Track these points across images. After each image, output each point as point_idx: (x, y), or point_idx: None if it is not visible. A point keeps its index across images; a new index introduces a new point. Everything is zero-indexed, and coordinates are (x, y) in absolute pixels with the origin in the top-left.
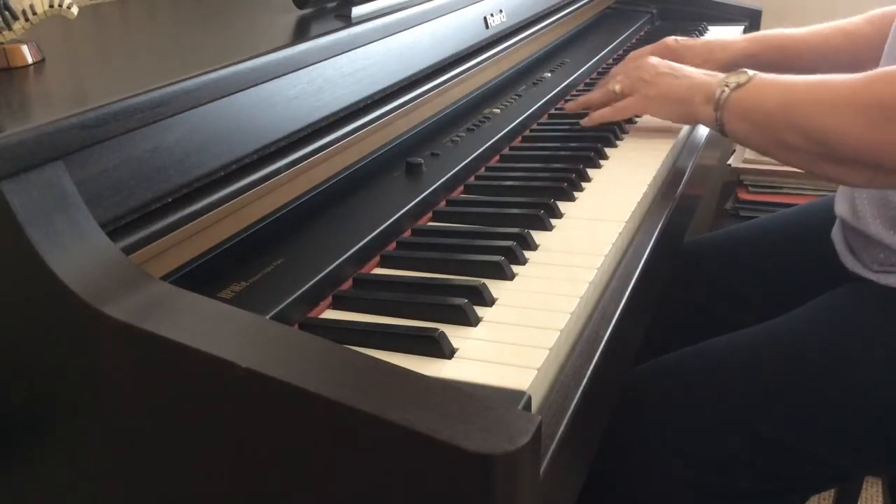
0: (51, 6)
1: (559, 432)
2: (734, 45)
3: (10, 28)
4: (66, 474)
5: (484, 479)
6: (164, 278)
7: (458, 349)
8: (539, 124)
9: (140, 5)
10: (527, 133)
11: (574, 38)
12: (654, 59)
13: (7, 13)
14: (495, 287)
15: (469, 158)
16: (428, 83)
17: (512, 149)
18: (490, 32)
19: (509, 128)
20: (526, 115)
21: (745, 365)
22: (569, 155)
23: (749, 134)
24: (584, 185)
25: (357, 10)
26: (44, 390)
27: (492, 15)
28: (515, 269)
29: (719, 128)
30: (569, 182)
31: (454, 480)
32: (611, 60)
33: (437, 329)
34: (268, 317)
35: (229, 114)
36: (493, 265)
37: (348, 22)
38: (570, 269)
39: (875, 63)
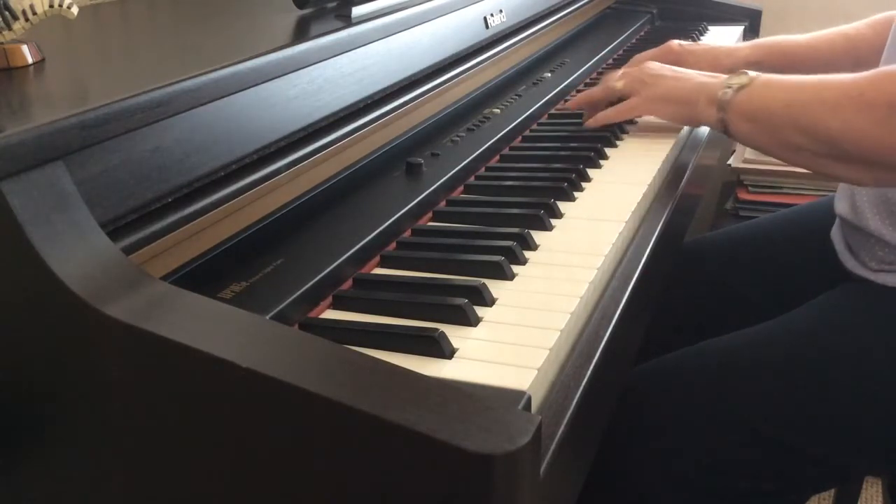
0: (51, 6)
1: (559, 432)
2: (738, 51)
3: (10, 28)
4: (66, 474)
5: (484, 479)
6: (164, 278)
7: (458, 349)
8: (539, 124)
9: (140, 5)
10: (527, 133)
11: (574, 38)
12: (656, 63)
13: (7, 13)
14: (495, 287)
15: (469, 158)
16: (428, 83)
17: (512, 149)
18: (490, 32)
19: (509, 128)
20: (526, 115)
21: (745, 365)
22: (569, 155)
23: (753, 135)
24: (584, 185)
25: (357, 10)
26: (44, 390)
27: (492, 15)
28: (515, 269)
29: (723, 129)
30: (569, 182)
31: (454, 480)
32: (611, 60)
33: (437, 329)
34: (268, 317)
35: (229, 114)
36: (493, 265)
37: (348, 22)
38: (570, 269)
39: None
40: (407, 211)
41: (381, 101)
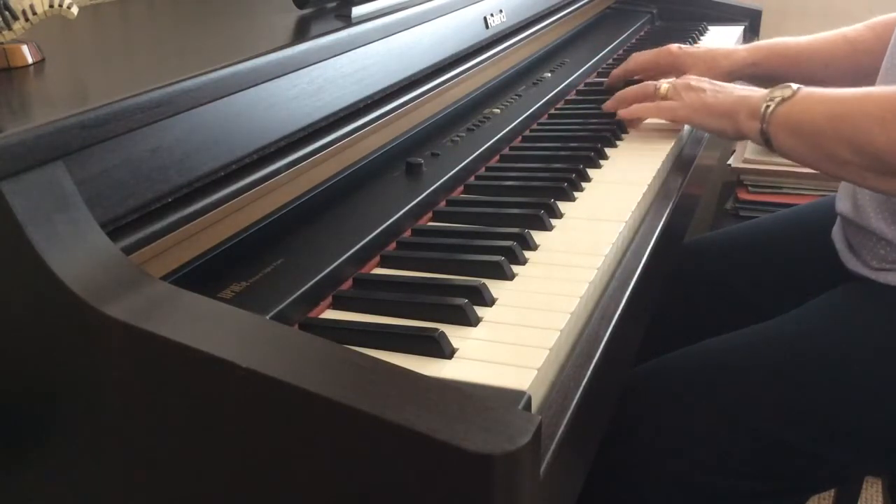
0: (51, 6)
1: (559, 432)
2: (736, 53)
3: (10, 28)
4: (66, 474)
5: (484, 479)
6: (164, 278)
7: (458, 349)
8: (539, 124)
9: (140, 5)
10: (527, 133)
11: (574, 38)
12: (695, 76)
13: (7, 13)
14: (495, 287)
15: (469, 158)
16: (428, 83)
17: (512, 149)
18: (490, 32)
19: (509, 128)
20: (526, 115)
21: (745, 365)
22: (569, 155)
23: (797, 148)
24: (584, 185)
25: (357, 10)
26: (44, 390)
27: (492, 15)
28: (515, 269)
29: (765, 141)
30: (569, 182)
31: (454, 480)
32: (611, 60)
33: (437, 329)
34: (268, 317)
35: (229, 114)
36: (493, 265)
37: (348, 22)
38: (570, 269)
39: (877, 70)
40: (407, 211)
41: (381, 101)
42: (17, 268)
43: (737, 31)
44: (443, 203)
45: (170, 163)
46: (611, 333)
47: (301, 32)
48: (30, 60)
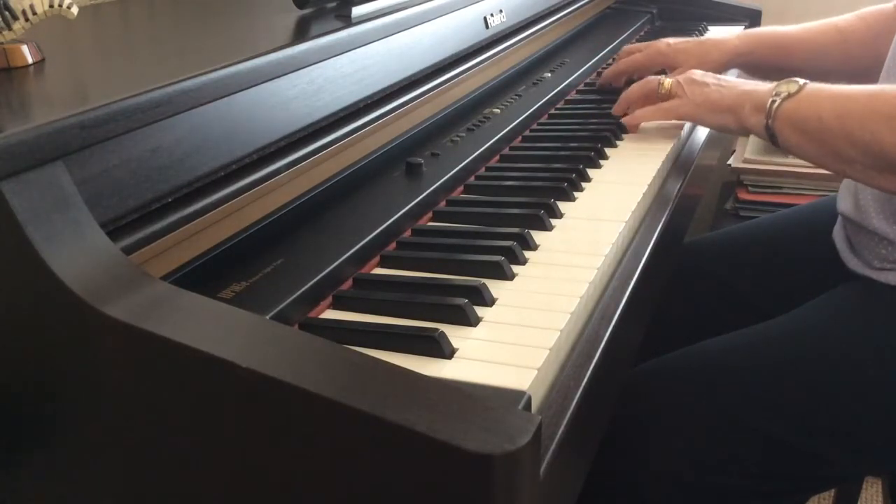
0: (51, 6)
1: (559, 432)
2: (727, 43)
3: (10, 28)
4: (66, 474)
5: (484, 479)
6: (164, 278)
7: (458, 349)
8: (539, 124)
9: (140, 5)
10: (527, 133)
11: (574, 38)
12: (699, 71)
13: (7, 13)
14: (495, 287)
15: (469, 158)
16: (428, 83)
17: (512, 149)
18: (490, 32)
19: (509, 128)
20: (526, 115)
21: (746, 365)
22: (569, 155)
23: (802, 144)
24: (584, 185)
25: (357, 10)
26: (44, 390)
27: (492, 15)
28: (515, 269)
29: (770, 136)
30: (569, 182)
31: (454, 480)
32: (611, 60)
33: (437, 329)
34: (268, 317)
35: (229, 114)
36: (493, 265)
37: (348, 22)
38: (570, 269)
39: (869, 61)
40: (407, 211)
41: (381, 101)
42: (17, 268)
43: (737, 31)
44: (443, 203)
45: (170, 163)
46: (611, 333)
47: (301, 32)
48: (30, 60)
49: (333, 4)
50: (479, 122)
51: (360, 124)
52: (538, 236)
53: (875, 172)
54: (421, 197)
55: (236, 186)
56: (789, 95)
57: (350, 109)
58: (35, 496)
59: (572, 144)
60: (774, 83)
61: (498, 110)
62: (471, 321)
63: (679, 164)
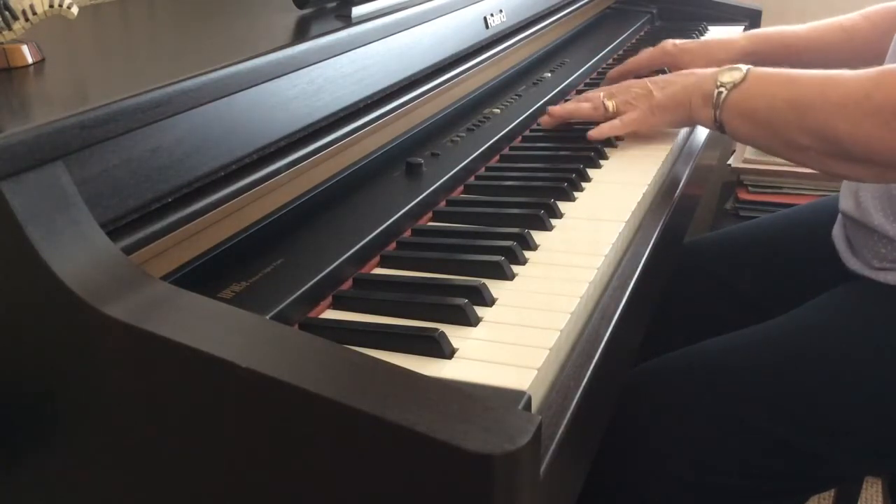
0: (51, 6)
1: (559, 432)
2: (733, 44)
3: (10, 28)
4: (65, 474)
5: (484, 479)
6: (164, 278)
7: (458, 349)
8: (539, 124)
9: (140, 5)
10: (527, 133)
11: (574, 38)
12: (637, 80)
13: (7, 13)
14: (495, 287)
15: (469, 158)
16: (428, 83)
17: (512, 149)
18: (490, 32)
19: (509, 128)
20: (526, 115)
21: (745, 365)
22: (569, 155)
23: (752, 133)
24: (584, 185)
25: (357, 10)
26: (43, 390)
27: (492, 15)
28: (515, 269)
29: (719, 127)
30: (569, 182)
31: (454, 480)
32: (611, 60)
33: (437, 329)
34: (268, 317)
35: (229, 114)
36: (493, 265)
37: (348, 22)
38: (570, 269)
39: (874, 59)
40: (407, 211)
41: (381, 101)
42: (17, 268)
43: (737, 31)
44: (443, 203)
45: (170, 163)
46: (611, 333)
47: (301, 32)
48: (30, 60)
49: (333, 4)
50: (479, 122)
51: (360, 124)
52: (538, 236)
53: (829, 159)
54: (421, 197)
55: (236, 186)
56: (735, 85)
57: (350, 109)
58: (35, 496)
59: (572, 144)
60: (716, 69)
61: (498, 110)
62: (471, 321)
63: (679, 164)
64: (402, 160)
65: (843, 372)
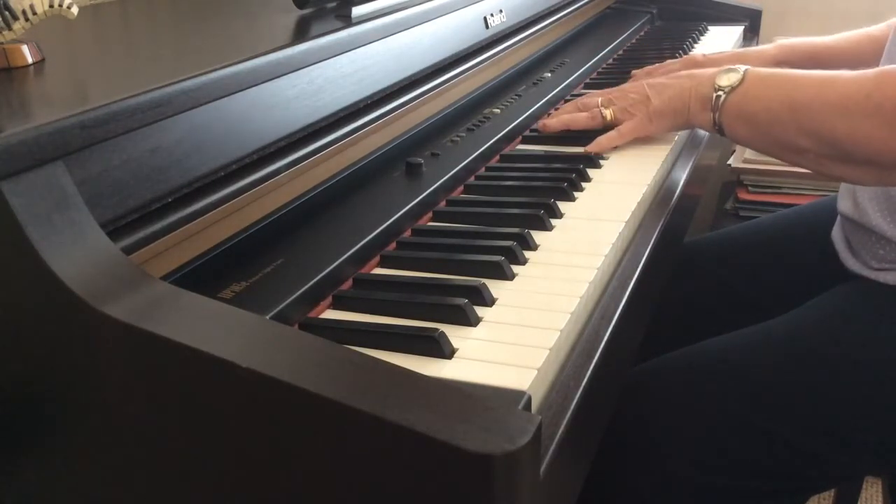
0: (51, 6)
1: (559, 432)
2: (765, 53)
3: (10, 28)
4: (65, 474)
5: (484, 479)
6: (164, 278)
7: (458, 349)
8: (532, 130)
9: (140, 5)
10: (527, 133)
11: (574, 38)
12: (633, 83)
13: (7, 13)
14: (495, 287)
15: (469, 158)
16: (428, 83)
17: (512, 149)
18: (490, 32)
19: (509, 128)
20: (526, 115)
21: (745, 364)
22: (569, 155)
23: (752, 136)
24: (584, 185)
25: (357, 10)
26: (44, 390)
27: (492, 15)
28: (515, 269)
29: (719, 131)
30: (569, 182)
31: (454, 480)
32: (611, 60)
33: (437, 329)
34: (268, 317)
35: (229, 114)
36: (493, 265)
37: (348, 22)
38: (570, 269)
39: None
40: (407, 211)
41: (381, 101)
42: (17, 268)
43: (737, 31)
44: (443, 203)
45: (170, 163)
46: (611, 333)
47: (301, 32)
48: (30, 60)
49: (333, 4)
50: (479, 122)
51: (360, 124)
52: (538, 236)
53: (828, 161)
54: (421, 197)
55: (236, 186)
56: (733, 88)
57: (350, 109)
58: (35, 496)
59: (572, 144)
60: (713, 71)
61: (498, 110)
62: (471, 321)
63: (679, 165)
64: (402, 160)
65: (843, 372)
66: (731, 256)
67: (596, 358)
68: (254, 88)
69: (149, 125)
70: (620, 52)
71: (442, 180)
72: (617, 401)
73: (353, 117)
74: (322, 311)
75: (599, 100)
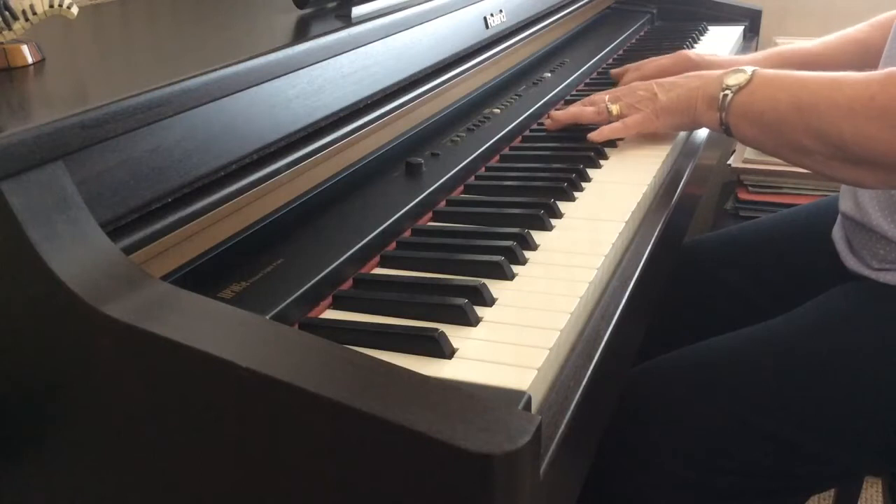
0: (51, 6)
1: (559, 432)
2: (754, 60)
3: (10, 28)
4: (65, 474)
5: (484, 479)
6: (164, 278)
7: (458, 349)
8: (539, 124)
9: (140, 5)
10: (527, 133)
11: (574, 38)
12: (641, 82)
13: (7, 13)
14: (495, 287)
15: (469, 158)
16: (428, 83)
17: (512, 149)
18: (490, 32)
19: (509, 128)
20: (526, 115)
21: (745, 364)
22: (569, 155)
23: (758, 136)
24: (584, 185)
25: (357, 10)
26: (44, 390)
27: (492, 15)
28: (515, 269)
29: (725, 130)
30: (569, 182)
31: (454, 480)
32: (611, 60)
33: (437, 329)
34: (268, 317)
35: (229, 114)
36: (493, 265)
37: (348, 22)
38: (570, 269)
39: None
40: (407, 211)
41: (381, 101)
42: (17, 268)
43: (737, 31)
44: (443, 203)
45: (169, 163)
46: (611, 333)
47: (301, 32)
48: (30, 60)
49: (333, 4)
50: (479, 122)
51: (360, 124)
52: (538, 236)
53: (835, 163)
54: (421, 197)
55: (236, 186)
56: (740, 88)
57: (350, 109)
58: (35, 496)
59: (572, 144)
60: (721, 72)
61: (498, 110)
62: (471, 321)
63: (679, 165)
64: (402, 160)
65: (843, 371)
66: (731, 256)
67: (596, 358)
68: (254, 88)
69: (149, 125)
70: (620, 52)
71: (442, 180)
72: (617, 401)
73: (353, 117)
74: (322, 311)
75: (607, 97)
